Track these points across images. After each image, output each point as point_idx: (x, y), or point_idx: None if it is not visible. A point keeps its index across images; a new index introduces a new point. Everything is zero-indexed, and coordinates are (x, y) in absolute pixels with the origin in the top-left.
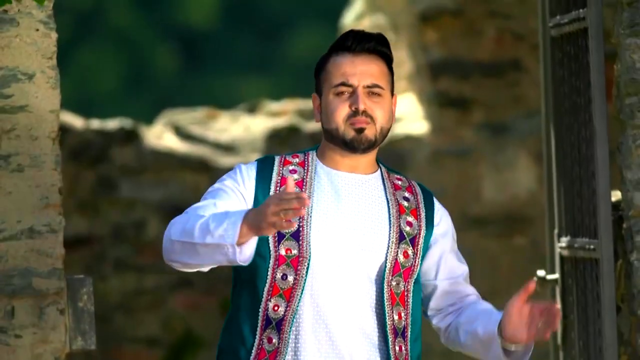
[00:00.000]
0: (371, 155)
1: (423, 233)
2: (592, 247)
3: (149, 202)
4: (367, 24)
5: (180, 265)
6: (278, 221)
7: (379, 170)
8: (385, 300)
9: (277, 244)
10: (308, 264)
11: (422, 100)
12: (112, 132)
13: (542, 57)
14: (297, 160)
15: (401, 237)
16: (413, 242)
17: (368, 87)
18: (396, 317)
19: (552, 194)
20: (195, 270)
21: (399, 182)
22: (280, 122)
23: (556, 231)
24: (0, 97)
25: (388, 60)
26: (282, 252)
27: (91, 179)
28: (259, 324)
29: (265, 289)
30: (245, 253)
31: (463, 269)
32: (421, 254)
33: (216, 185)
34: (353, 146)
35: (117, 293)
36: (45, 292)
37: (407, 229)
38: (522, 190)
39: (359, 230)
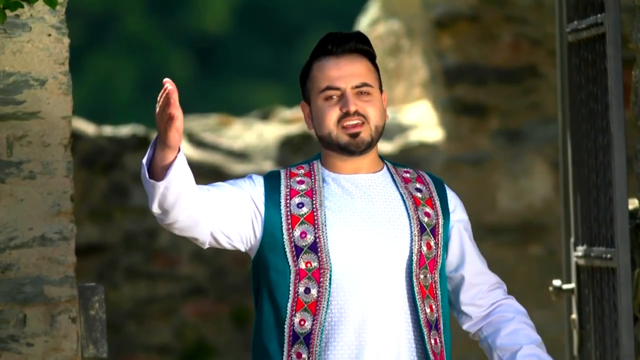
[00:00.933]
0: (373, 154)
1: (441, 222)
2: (608, 256)
3: None
4: (382, 30)
5: (159, 214)
6: (166, 122)
7: (384, 166)
8: (416, 294)
9: (295, 258)
10: (330, 275)
11: (437, 107)
12: (125, 138)
13: (559, 63)
14: (302, 171)
15: (422, 229)
16: (434, 232)
17: (357, 87)
18: (428, 310)
19: (569, 202)
20: (174, 222)
21: (408, 175)
22: (293, 129)
23: (572, 240)
24: (12, 104)
25: (371, 57)
26: (302, 265)
27: (103, 186)
28: (286, 340)
29: (289, 305)
30: (170, 175)
31: (482, 257)
32: (442, 243)
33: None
34: (350, 150)
35: (129, 301)
36: (57, 300)
37: (426, 219)
38: (538, 199)
39: (379, 229)
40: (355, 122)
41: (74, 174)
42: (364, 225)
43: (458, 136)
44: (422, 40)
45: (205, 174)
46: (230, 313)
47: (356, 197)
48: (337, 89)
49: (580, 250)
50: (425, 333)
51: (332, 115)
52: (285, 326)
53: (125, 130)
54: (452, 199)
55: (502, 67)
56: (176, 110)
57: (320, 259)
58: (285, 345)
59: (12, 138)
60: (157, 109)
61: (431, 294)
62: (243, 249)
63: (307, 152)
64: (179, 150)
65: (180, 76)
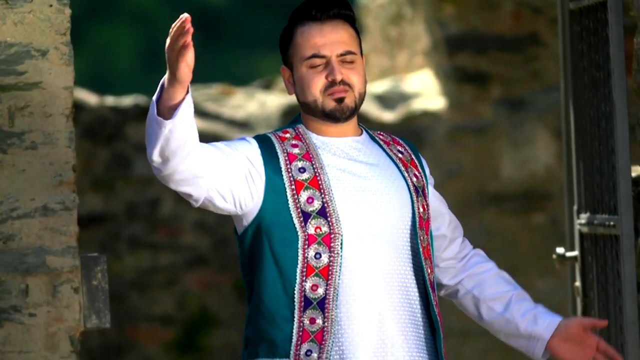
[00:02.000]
0: (354, 120)
1: (425, 183)
2: (612, 223)
3: None
4: (383, 0)
5: (159, 163)
6: (178, 53)
7: (363, 130)
8: (421, 255)
9: (304, 223)
10: (342, 240)
11: (440, 76)
12: (127, 108)
13: (561, 31)
14: (289, 135)
15: (416, 190)
16: (424, 193)
17: (341, 55)
18: (429, 270)
19: (572, 170)
20: (172, 173)
21: (383, 137)
22: (295, 98)
23: (575, 208)
24: (13, 74)
25: (352, 21)
26: (312, 231)
27: (106, 156)
28: (297, 307)
29: (298, 270)
30: (178, 114)
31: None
32: (428, 204)
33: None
34: (335, 116)
35: (132, 271)
36: (59, 270)
37: (415, 180)
38: (540, 167)
39: (382, 191)
40: (340, 89)
41: (76, 144)
42: (367, 187)
43: (460, 105)
44: (424, 9)
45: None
46: (232, 283)
47: (351, 160)
48: (323, 57)
49: (583, 217)
50: (431, 294)
51: (318, 83)
52: (296, 292)
53: (127, 100)
54: (424, 161)
55: (504, 36)
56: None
57: (330, 223)
58: (296, 311)
59: (14, 108)
60: (169, 40)
61: (428, 255)
62: (233, 212)
63: None
64: (187, 91)
65: None
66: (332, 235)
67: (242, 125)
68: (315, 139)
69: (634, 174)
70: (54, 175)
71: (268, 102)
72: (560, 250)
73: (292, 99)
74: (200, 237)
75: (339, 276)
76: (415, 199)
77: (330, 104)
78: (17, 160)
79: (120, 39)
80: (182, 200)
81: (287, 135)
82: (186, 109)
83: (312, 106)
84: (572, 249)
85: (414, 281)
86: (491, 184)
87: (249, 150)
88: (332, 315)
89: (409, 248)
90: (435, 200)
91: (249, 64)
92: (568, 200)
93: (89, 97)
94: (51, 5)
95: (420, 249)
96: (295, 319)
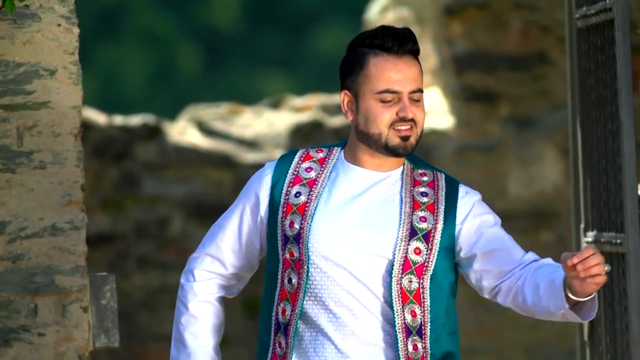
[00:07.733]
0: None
1: (440, 227)
2: (618, 241)
3: (172, 198)
4: (391, 18)
5: None
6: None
7: (402, 166)
8: (394, 299)
9: (283, 247)
10: (308, 267)
11: (448, 95)
12: (135, 128)
13: (568, 49)
14: (319, 155)
15: (412, 234)
16: (427, 237)
17: (412, 92)
18: (408, 316)
19: (579, 188)
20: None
21: (423, 178)
22: (303, 117)
23: (582, 226)
24: (22, 94)
25: (417, 54)
26: (287, 255)
27: (114, 175)
28: (272, 328)
29: (277, 293)
30: None
31: (507, 236)
32: (438, 248)
33: (229, 211)
34: (397, 152)
35: (141, 290)
36: (68, 289)
37: (421, 225)
38: (548, 185)
39: (365, 230)
40: (407, 127)
41: (85, 163)
42: (351, 222)
43: (468, 123)
44: (432, 28)
45: (216, 162)
46: (242, 302)
47: (357, 194)
48: (395, 92)
49: (590, 235)
50: (400, 338)
51: (386, 117)
52: (273, 313)
53: (136, 119)
54: (463, 200)
55: (512, 54)
56: None
57: (300, 250)
58: (272, 332)
59: (23, 128)
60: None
61: (416, 299)
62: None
63: (318, 140)
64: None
65: (190, 65)
66: (301, 262)
67: (251, 145)
68: (341, 164)
69: None
70: (63, 195)
71: (276, 121)
72: None
73: (300, 118)
74: None
75: (302, 303)
76: (403, 242)
77: (395, 140)
78: (25, 180)
79: (129, 59)
80: (190, 219)
81: (318, 154)
82: None
83: (375, 138)
84: None
85: (385, 323)
86: (499, 203)
87: (259, 193)
88: (290, 341)
89: (382, 290)
90: (472, 230)
91: (256, 83)
92: (575, 218)
93: (98, 117)
94: (59, 25)
95: (395, 293)
96: (271, 339)
